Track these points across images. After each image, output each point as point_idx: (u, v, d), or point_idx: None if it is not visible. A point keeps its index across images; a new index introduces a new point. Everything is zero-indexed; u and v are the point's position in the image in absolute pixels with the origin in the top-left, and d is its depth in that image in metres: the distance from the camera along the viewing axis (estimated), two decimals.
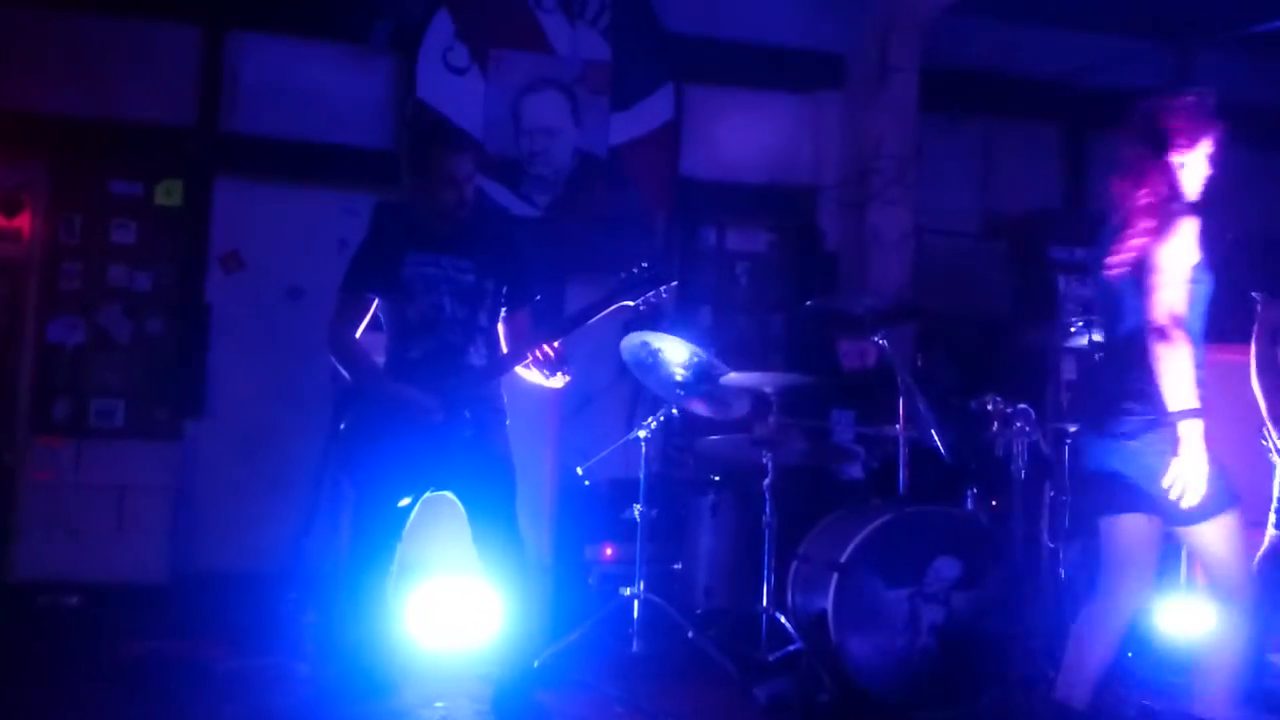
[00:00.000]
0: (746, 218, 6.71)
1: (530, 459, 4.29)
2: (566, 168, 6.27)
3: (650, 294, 3.63)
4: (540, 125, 6.26)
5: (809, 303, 5.18)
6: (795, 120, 6.69)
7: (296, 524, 5.13)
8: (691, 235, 6.62)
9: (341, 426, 3.69)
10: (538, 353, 3.57)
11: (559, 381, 3.64)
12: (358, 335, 3.72)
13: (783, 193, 6.66)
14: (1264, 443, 4.08)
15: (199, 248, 5.98)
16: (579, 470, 4.97)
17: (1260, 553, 4.14)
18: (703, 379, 4.67)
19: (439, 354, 3.65)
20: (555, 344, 3.58)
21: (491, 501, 3.66)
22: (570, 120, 6.30)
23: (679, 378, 4.65)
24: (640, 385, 5.05)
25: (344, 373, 3.70)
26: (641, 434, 4.72)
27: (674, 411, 4.77)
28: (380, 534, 3.66)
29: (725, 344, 6.15)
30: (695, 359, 4.64)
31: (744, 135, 6.54)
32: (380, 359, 3.73)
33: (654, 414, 4.79)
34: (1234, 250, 5.78)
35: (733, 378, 4.62)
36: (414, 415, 3.55)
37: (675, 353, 4.64)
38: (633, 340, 4.67)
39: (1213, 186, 3.35)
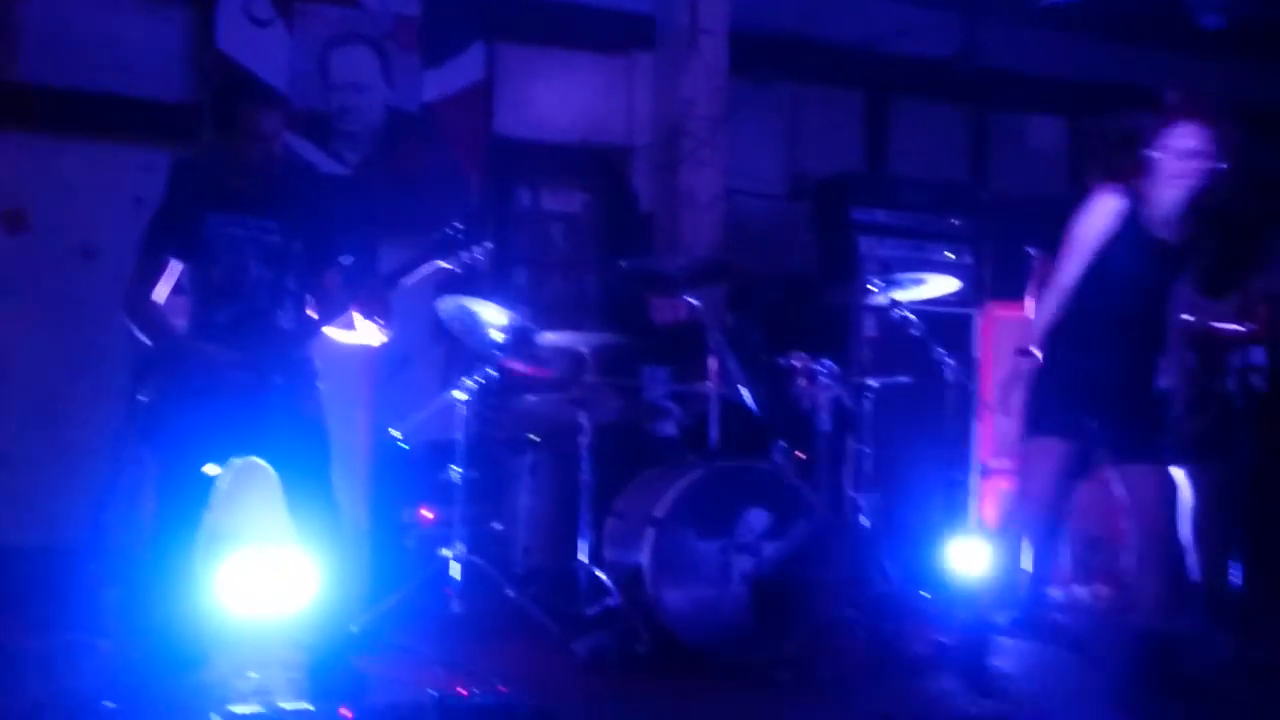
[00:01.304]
0: (561, 178, 6.72)
1: (345, 422, 4.23)
2: (377, 125, 6.13)
3: (464, 255, 3.62)
4: (349, 81, 6.10)
5: (623, 263, 5.25)
6: (608, 81, 6.72)
7: (94, 495, 4.92)
8: (506, 195, 6.59)
9: (141, 394, 3.56)
10: (360, 305, 3.51)
11: (380, 337, 3.60)
12: (157, 299, 3.59)
13: (597, 153, 6.69)
14: None
15: None
16: (395, 433, 4.92)
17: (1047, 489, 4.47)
18: (519, 340, 4.69)
19: (246, 317, 3.55)
20: (376, 296, 3.53)
21: (305, 466, 3.59)
22: (380, 76, 6.16)
23: (496, 339, 4.66)
24: (456, 346, 5.03)
25: (143, 338, 3.56)
26: (459, 395, 4.71)
27: (491, 373, 4.78)
28: (186, 503, 3.55)
29: (541, 304, 6.18)
30: (511, 320, 4.65)
31: (557, 95, 6.54)
32: (183, 322, 3.61)
33: (471, 375, 4.78)
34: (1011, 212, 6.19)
35: (548, 338, 4.66)
36: (216, 376, 3.46)
37: (491, 314, 4.64)
38: (448, 303, 4.64)
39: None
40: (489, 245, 3.75)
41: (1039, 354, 3.66)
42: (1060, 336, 3.64)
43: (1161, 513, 3.67)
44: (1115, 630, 4.58)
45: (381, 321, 3.55)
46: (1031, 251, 4.46)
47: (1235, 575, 3.95)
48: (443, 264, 3.62)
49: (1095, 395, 3.63)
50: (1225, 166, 3.55)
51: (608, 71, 6.72)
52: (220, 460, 3.55)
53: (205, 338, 3.54)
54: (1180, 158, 3.55)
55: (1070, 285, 3.66)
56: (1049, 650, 4.33)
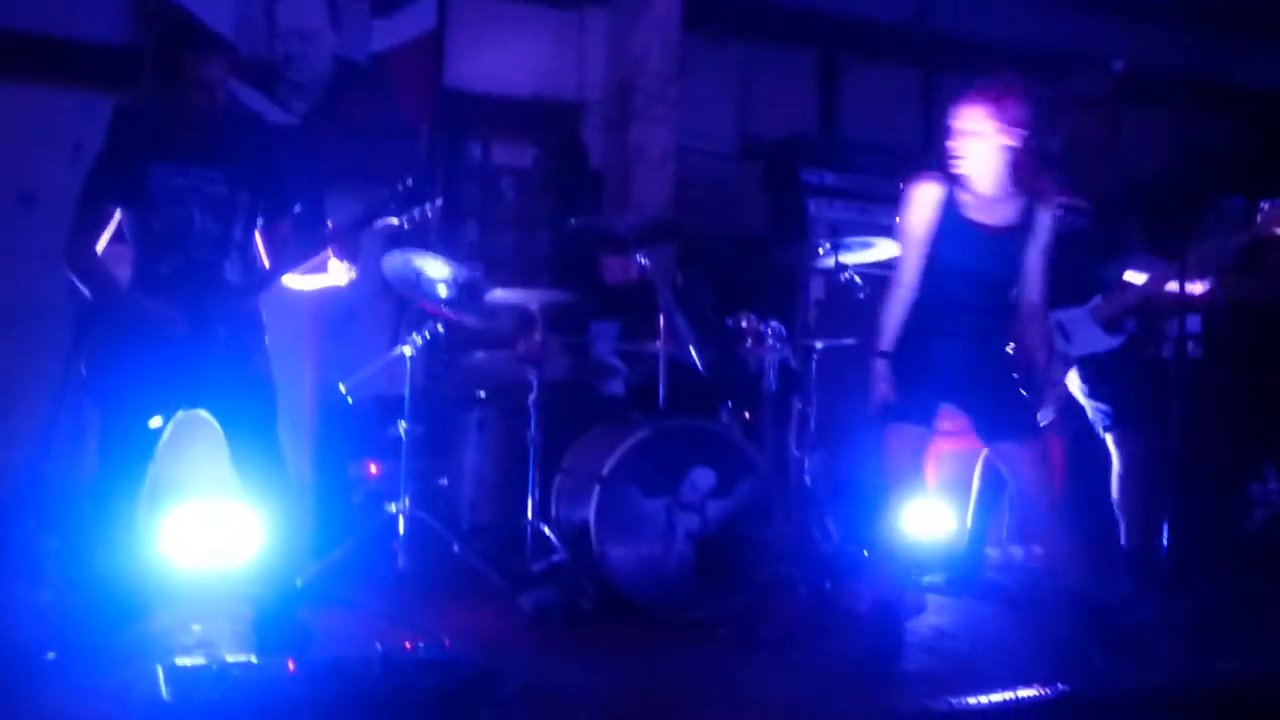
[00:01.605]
0: (512, 132, 6.66)
1: (291, 375, 4.21)
2: (325, 74, 6.03)
3: (413, 211, 3.60)
4: (296, 27, 5.98)
5: (573, 221, 5.24)
6: (561, 35, 6.66)
7: (33, 447, 4.85)
8: (456, 148, 6.52)
9: (82, 346, 3.51)
10: (338, 246, 3.51)
11: (347, 275, 3.58)
12: (98, 248, 3.53)
13: (549, 108, 6.64)
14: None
15: None
16: (342, 387, 4.90)
17: (985, 452, 4.57)
18: (468, 296, 4.67)
19: (190, 269, 3.51)
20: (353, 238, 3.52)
21: (250, 420, 3.57)
22: (328, 23, 6.05)
23: (444, 295, 4.64)
24: (405, 301, 5.00)
25: (83, 288, 3.51)
26: (406, 350, 4.69)
27: (439, 328, 4.76)
28: (129, 455, 3.53)
29: (490, 260, 6.15)
30: (460, 276, 4.64)
31: (509, 48, 6.47)
32: (125, 272, 3.56)
33: (419, 330, 4.76)
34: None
35: (498, 294, 4.65)
36: (159, 328, 3.42)
37: (440, 270, 4.61)
38: (396, 259, 4.61)
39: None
40: (438, 201, 3.73)
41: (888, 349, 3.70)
42: (907, 326, 3.67)
43: (1038, 483, 3.68)
44: (1048, 589, 4.71)
45: (352, 262, 3.54)
46: None
47: (1164, 539, 4.05)
48: (391, 220, 3.60)
49: (944, 382, 3.68)
50: (1022, 142, 3.52)
51: (560, 25, 6.65)
52: (164, 413, 3.52)
53: (148, 289, 3.49)
54: (978, 137, 3.54)
55: (910, 280, 3.68)
56: (984, 608, 4.43)
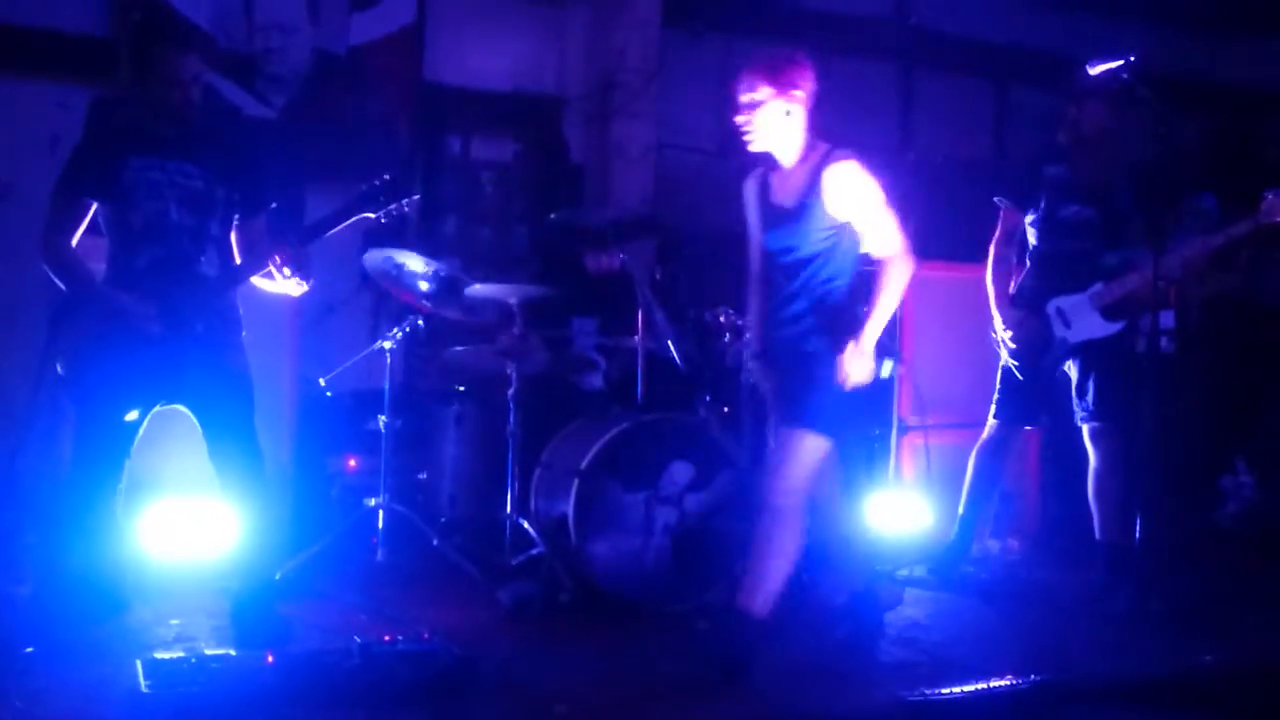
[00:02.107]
0: (492, 126, 6.66)
1: (269, 369, 4.21)
2: (303, 67, 6.01)
3: (391, 207, 3.60)
4: (274, 20, 5.96)
5: (552, 215, 5.25)
6: (542, 30, 6.66)
7: (9, 442, 4.83)
8: (436, 142, 6.52)
9: (59, 340, 3.50)
10: (278, 257, 3.48)
11: (299, 288, 3.58)
12: (74, 242, 3.52)
13: (529, 103, 6.64)
14: (993, 335, 4.55)
15: None
16: (321, 381, 4.90)
17: (980, 440, 4.62)
18: (447, 290, 4.68)
19: (166, 263, 3.51)
20: (296, 249, 3.50)
21: (226, 416, 3.58)
22: (307, 17, 6.03)
23: (423, 289, 4.64)
24: (384, 295, 5.00)
25: (59, 282, 3.50)
26: (386, 345, 4.70)
27: (418, 322, 4.77)
28: (105, 451, 3.53)
29: (470, 254, 6.15)
30: (440, 271, 4.64)
31: (490, 42, 6.47)
32: (101, 266, 3.55)
33: (398, 324, 4.76)
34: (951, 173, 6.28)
35: (477, 289, 4.65)
36: (135, 324, 3.41)
37: (419, 265, 4.62)
38: (375, 255, 4.61)
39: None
40: (416, 197, 3.73)
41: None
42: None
43: (785, 475, 3.53)
44: (1023, 582, 4.76)
45: (298, 277, 3.53)
46: (996, 200, 4.60)
47: (1137, 532, 4.10)
48: (369, 215, 3.60)
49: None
50: (805, 109, 3.53)
51: (541, 20, 6.65)
52: (140, 408, 3.52)
53: (124, 283, 3.49)
54: (760, 108, 3.54)
55: (755, 270, 3.72)
56: (960, 601, 4.47)
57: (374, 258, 4.60)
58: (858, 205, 3.53)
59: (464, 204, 6.62)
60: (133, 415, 3.52)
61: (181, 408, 3.59)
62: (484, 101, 6.53)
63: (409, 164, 6.12)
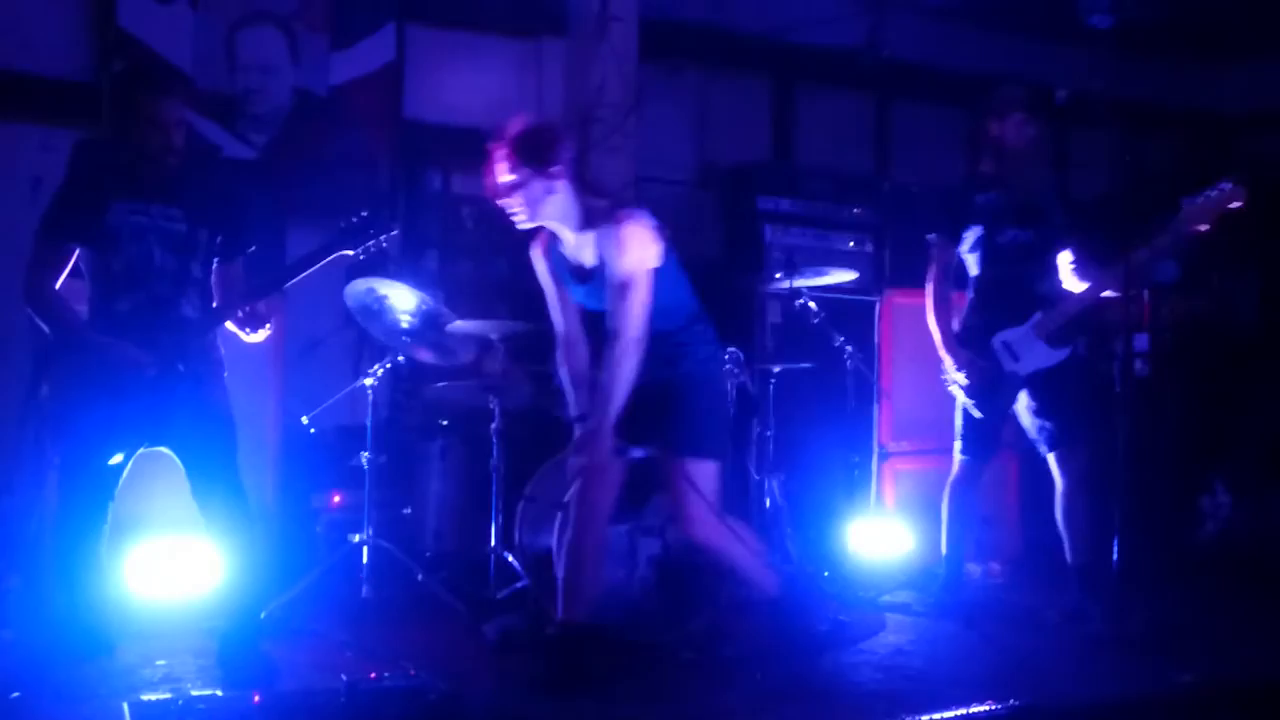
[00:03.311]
0: (472, 162, 6.67)
1: (252, 407, 4.23)
2: (284, 107, 6.06)
3: (369, 244, 3.64)
4: (256, 61, 6.01)
5: (533, 249, 5.29)
6: (519, 65, 6.73)
7: None
8: (416, 179, 6.55)
9: (43, 384, 3.52)
10: (239, 312, 3.53)
11: (260, 337, 3.62)
12: (58, 286, 3.55)
13: None
14: (943, 377, 4.55)
15: None
16: (304, 418, 4.92)
17: (951, 477, 4.64)
18: (429, 326, 4.71)
19: (149, 306, 3.54)
20: (255, 304, 3.55)
21: (210, 456, 3.60)
22: (287, 57, 6.09)
23: (405, 324, 4.67)
24: (367, 331, 5.03)
25: (44, 326, 3.52)
26: (369, 381, 4.72)
27: (400, 358, 4.79)
28: (90, 493, 3.54)
29: (451, 289, 6.17)
30: (421, 305, 4.67)
31: (468, 79, 6.53)
32: (83, 309, 3.57)
33: (381, 360, 4.79)
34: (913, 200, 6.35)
35: (459, 324, 4.69)
36: (122, 369, 3.44)
37: (401, 299, 4.65)
38: (357, 287, 4.64)
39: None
40: (395, 232, 3.78)
41: None
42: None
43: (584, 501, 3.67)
44: (1005, 606, 4.79)
45: (251, 329, 3.57)
46: (930, 238, 4.62)
47: (1112, 555, 4.13)
48: (348, 253, 3.64)
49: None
50: (568, 178, 3.60)
51: (518, 56, 6.72)
52: (124, 451, 3.54)
53: (106, 327, 3.51)
54: (522, 188, 3.64)
55: (565, 331, 3.86)
56: (941, 626, 4.50)
57: (357, 288, 4.63)
58: (626, 267, 3.54)
59: (444, 239, 6.65)
60: (117, 459, 3.54)
61: (165, 449, 3.61)
62: (463, 137, 6.56)
63: (390, 200, 6.17)
